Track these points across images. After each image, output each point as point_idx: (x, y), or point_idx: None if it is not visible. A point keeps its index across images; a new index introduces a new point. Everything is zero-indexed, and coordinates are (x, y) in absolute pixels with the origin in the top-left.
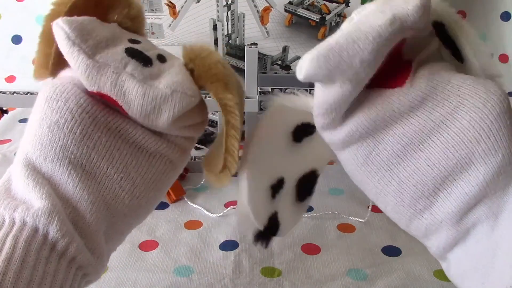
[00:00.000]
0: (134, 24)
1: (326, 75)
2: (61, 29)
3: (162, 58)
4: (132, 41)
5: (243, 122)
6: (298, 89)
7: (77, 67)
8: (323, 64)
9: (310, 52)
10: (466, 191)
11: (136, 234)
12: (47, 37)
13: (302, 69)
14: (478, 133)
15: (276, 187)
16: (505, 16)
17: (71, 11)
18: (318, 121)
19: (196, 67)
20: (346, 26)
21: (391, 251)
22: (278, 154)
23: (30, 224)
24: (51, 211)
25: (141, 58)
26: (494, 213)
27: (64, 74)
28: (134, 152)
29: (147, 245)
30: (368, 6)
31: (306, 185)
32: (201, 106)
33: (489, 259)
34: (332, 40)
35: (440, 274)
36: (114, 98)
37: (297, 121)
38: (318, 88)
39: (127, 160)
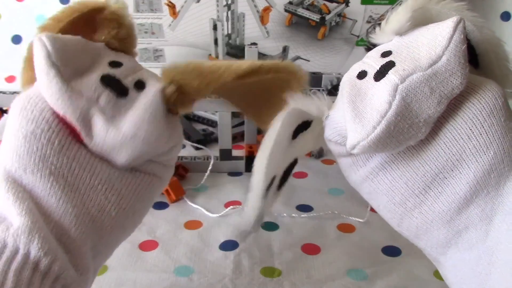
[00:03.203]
0: (122, 44)
1: (380, 151)
2: (43, 46)
3: (140, 85)
4: (113, 64)
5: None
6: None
7: (48, 88)
8: (380, 148)
9: (361, 130)
10: (457, 189)
11: (136, 234)
12: (31, 63)
13: (357, 149)
14: (470, 129)
15: (269, 186)
16: (505, 16)
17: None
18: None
19: (180, 88)
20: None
21: (391, 251)
22: (280, 155)
23: (11, 245)
24: (31, 229)
25: (116, 88)
26: (488, 216)
27: (36, 86)
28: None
29: (147, 245)
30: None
31: (287, 174)
32: (173, 135)
33: (485, 266)
34: (389, 122)
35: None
36: (77, 129)
37: (300, 121)
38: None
39: (109, 170)
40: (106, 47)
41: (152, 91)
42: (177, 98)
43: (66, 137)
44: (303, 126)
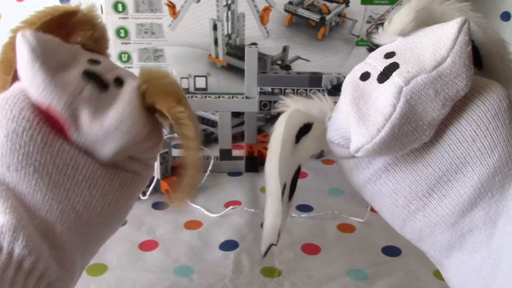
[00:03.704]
0: (97, 45)
1: (384, 154)
2: (27, 41)
3: (119, 81)
4: (92, 61)
5: (202, 139)
6: (298, 89)
7: (33, 80)
8: (384, 151)
9: (365, 133)
10: (461, 192)
11: (136, 234)
12: (5, 65)
13: (361, 152)
14: (475, 131)
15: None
16: (505, 16)
17: None
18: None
19: (150, 86)
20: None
21: (391, 251)
22: (288, 158)
23: None
24: (16, 227)
25: (98, 82)
26: (492, 219)
27: (14, 86)
28: (98, 160)
29: (147, 245)
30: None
31: (294, 182)
32: (153, 133)
33: (490, 269)
34: (393, 124)
35: (440, 274)
36: (62, 120)
37: (302, 123)
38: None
39: (92, 167)
40: (82, 48)
41: (130, 87)
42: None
43: (48, 134)
44: (304, 129)
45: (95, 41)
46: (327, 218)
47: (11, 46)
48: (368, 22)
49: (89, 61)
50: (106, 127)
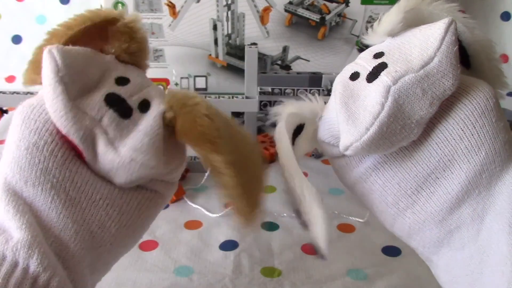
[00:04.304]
0: (132, 58)
1: (373, 153)
2: (53, 59)
3: (144, 106)
4: (120, 80)
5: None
6: (298, 89)
7: (54, 103)
8: (373, 149)
9: (354, 131)
10: (449, 190)
11: None
12: (37, 66)
13: (351, 150)
14: (462, 130)
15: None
16: (505, 16)
17: (67, 42)
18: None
19: (179, 121)
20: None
21: (391, 251)
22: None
23: (10, 259)
24: (31, 243)
25: (120, 108)
26: (479, 216)
27: (40, 94)
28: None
29: (147, 245)
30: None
31: None
32: (175, 155)
33: (477, 265)
34: (381, 123)
35: None
36: (79, 149)
37: (295, 126)
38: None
39: (109, 186)
40: (115, 60)
41: (154, 113)
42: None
43: (69, 151)
44: (297, 130)
45: (130, 54)
46: None
47: (42, 49)
48: (368, 22)
49: (117, 80)
50: (121, 158)
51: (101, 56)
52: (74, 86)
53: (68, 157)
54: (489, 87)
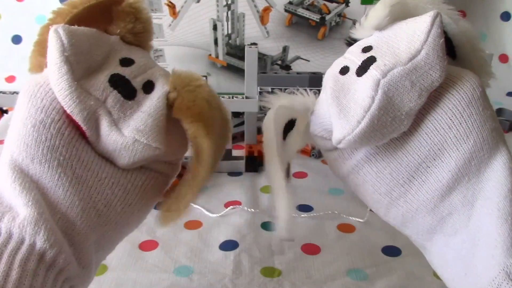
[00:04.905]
0: (137, 39)
1: (365, 145)
2: (59, 39)
3: (148, 86)
4: (125, 61)
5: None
6: (298, 89)
7: (58, 83)
8: (365, 142)
9: (346, 125)
10: (439, 178)
11: (136, 234)
12: (42, 46)
13: (343, 143)
14: (450, 119)
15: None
16: (505, 16)
17: (72, 20)
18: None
19: (179, 98)
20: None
21: (391, 251)
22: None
23: (16, 236)
24: (38, 220)
25: (124, 89)
26: (469, 201)
27: (47, 71)
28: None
29: (147, 245)
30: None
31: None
32: (178, 137)
33: (469, 249)
34: (372, 116)
35: None
36: (83, 129)
37: (287, 120)
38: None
39: (114, 166)
40: (120, 41)
41: (158, 94)
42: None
43: (75, 130)
44: (289, 125)
45: (135, 34)
46: (327, 218)
47: (48, 28)
48: None
49: (121, 61)
50: (124, 139)
51: (106, 37)
52: (79, 66)
53: (75, 136)
54: (475, 76)
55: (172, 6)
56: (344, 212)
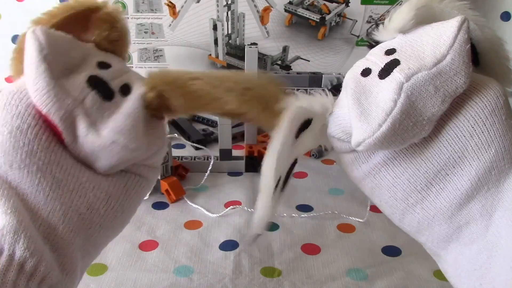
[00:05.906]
0: (113, 46)
1: (384, 149)
2: (36, 39)
3: (126, 89)
4: (102, 64)
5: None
6: (298, 89)
7: (35, 82)
8: (385, 145)
9: (366, 127)
10: (458, 186)
11: (136, 234)
12: (22, 53)
13: (363, 146)
14: (472, 127)
15: (275, 188)
16: (505, 16)
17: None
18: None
19: (163, 92)
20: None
21: (391, 251)
22: (286, 155)
23: None
24: (17, 229)
25: (103, 90)
26: (488, 211)
27: (21, 81)
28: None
29: (147, 245)
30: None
31: (288, 174)
32: (155, 140)
33: (485, 260)
34: (394, 120)
35: (440, 274)
36: (59, 129)
37: (303, 120)
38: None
39: (93, 171)
40: (95, 48)
41: (134, 95)
42: (160, 106)
43: (53, 135)
44: (304, 124)
45: (111, 42)
46: (327, 218)
47: None
48: (368, 22)
49: (98, 64)
50: (102, 140)
51: (81, 43)
52: (57, 66)
53: (53, 141)
54: (499, 85)
55: (172, 6)
56: (344, 212)
